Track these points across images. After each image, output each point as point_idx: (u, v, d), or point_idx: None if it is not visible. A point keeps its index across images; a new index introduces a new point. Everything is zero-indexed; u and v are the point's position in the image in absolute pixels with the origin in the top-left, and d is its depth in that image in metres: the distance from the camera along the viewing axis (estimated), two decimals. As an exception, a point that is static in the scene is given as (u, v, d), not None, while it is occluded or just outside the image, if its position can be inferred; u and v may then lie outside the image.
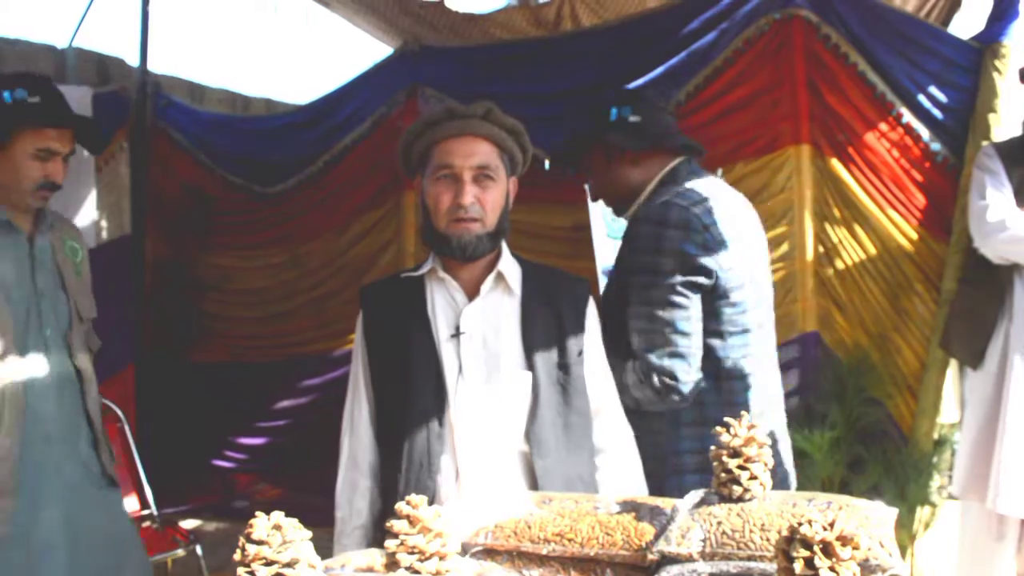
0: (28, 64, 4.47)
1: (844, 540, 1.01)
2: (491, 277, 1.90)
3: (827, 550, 1.00)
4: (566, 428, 1.90)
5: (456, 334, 1.88)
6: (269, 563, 1.06)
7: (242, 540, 1.07)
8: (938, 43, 3.42)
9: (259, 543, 1.06)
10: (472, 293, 1.91)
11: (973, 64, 3.32)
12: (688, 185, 2.29)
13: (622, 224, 3.10)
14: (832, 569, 0.99)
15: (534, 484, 1.85)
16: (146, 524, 3.60)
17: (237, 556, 1.07)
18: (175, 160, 4.48)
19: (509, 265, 1.94)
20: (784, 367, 3.41)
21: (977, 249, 3.04)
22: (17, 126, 2.38)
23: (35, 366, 2.44)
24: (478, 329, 1.89)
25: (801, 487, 2.78)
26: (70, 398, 2.54)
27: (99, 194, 4.36)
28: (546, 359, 1.90)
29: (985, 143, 3.16)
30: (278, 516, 1.09)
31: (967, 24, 4.20)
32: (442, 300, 1.92)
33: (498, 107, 1.91)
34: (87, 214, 4.30)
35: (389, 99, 3.96)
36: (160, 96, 4.53)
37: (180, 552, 3.57)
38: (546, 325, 1.92)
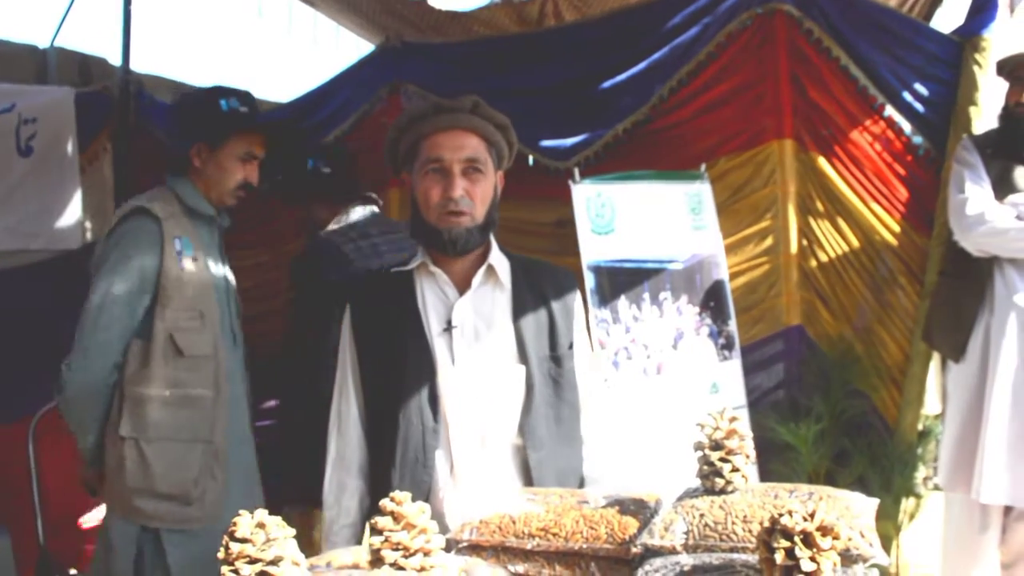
0: (9, 64, 4.44)
1: (824, 530, 1.01)
2: (482, 270, 1.91)
3: (807, 540, 1.01)
4: (558, 421, 1.91)
5: (448, 328, 1.88)
6: (253, 561, 1.06)
7: (225, 538, 1.07)
8: (920, 37, 3.44)
9: (243, 541, 1.06)
10: (463, 287, 1.91)
11: (954, 58, 3.36)
12: None
13: (608, 219, 3.12)
14: (812, 559, 1.00)
15: (527, 477, 1.85)
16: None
17: (221, 554, 1.07)
18: (158, 160, 4.44)
19: (499, 259, 1.95)
20: (769, 361, 3.44)
21: (957, 242, 3.07)
22: (230, 132, 2.64)
23: (233, 357, 2.68)
24: (470, 322, 1.89)
25: (787, 480, 2.80)
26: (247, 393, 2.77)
27: (83, 195, 4.34)
28: (538, 352, 1.90)
29: (965, 136, 3.18)
30: (261, 514, 1.09)
31: (948, 19, 4.23)
32: (432, 294, 1.92)
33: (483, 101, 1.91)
34: (72, 215, 4.27)
35: (371, 96, 3.96)
36: (143, 96, 4.50)
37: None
38: (537, 318, 1.93)
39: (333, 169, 3.30)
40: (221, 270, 2.74)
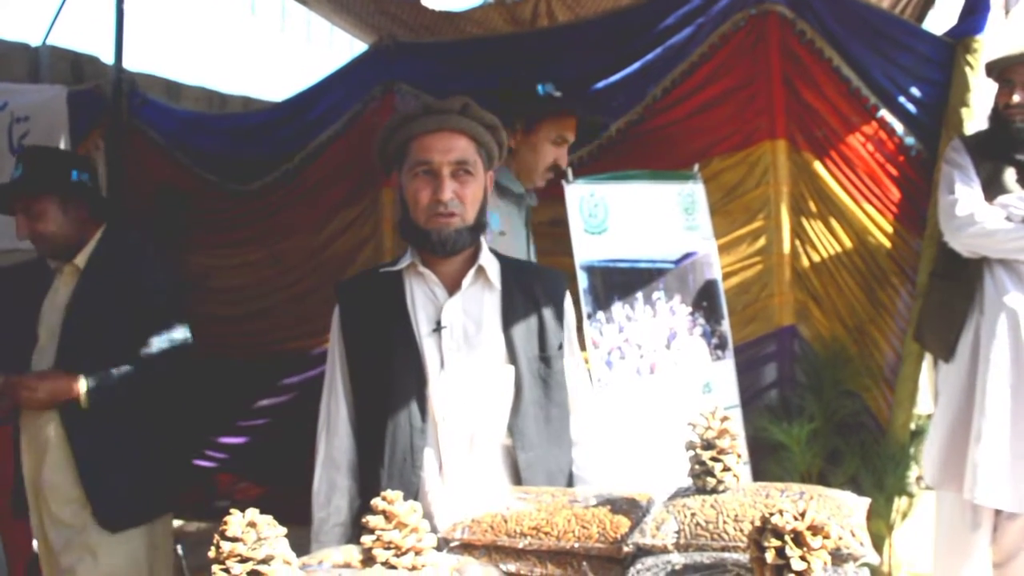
0: (1, 63, 4.43)
1: (815, 529, 1.02)
2: (472, 271, 1.91)
3: (798, 539, 1.01)
4: (547, 421, 1.91)
5: (437, 328, 1.88)
6: (244, 560, 1.06)
7: (217, 537, 1.07)
8: (912, 39, 3.45)
9: (234, 540, 1.06)
10: (452, 287, 1.91)
11: (946, 59, 3.36)
12: None
13: (601, 219, 3.12)
14: (803, 558, 1.00)
15: (517, 477, 1.86)
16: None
17: (212, 553, 1.06)
18: (151, 159, 4.44)
19: (489, 259, 1.94)
20: (762, 360, 3.45)
21: (947, 243, 3.07)
22: (544, 116, 2.81)
23: None
24: (459, 323, 1.89)
25: (780, 479, 2.80)
26: None
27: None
28: (528, 353, 1.91)
29: (955, 137, 3.18)
30: (253, 513, 1.09)
31: (941, 20, 4.24)
32: (422, 295, 1.92)
33: (474, 102, 1.91)
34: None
35: (365, 96, 3.95)
36: (135, 94, 4.49)
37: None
38: (527, 319, 1.93)
39: None
40: (525, 244, 2.93)
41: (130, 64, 4.63)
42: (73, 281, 2.72)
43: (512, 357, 1.89)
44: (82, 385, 2.58)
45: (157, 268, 2.81)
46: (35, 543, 2.88)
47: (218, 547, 1.07)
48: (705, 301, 3.26)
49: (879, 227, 3.39)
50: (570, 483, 1.93)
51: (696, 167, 3.39)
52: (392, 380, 1.86)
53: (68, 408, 2.61)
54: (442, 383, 1.86)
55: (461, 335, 1.89)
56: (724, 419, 1.35)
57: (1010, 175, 2.99)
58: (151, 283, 2.75)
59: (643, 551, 1.25)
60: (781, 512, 1.03)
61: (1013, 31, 3.52)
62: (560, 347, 1.95)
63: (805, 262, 3.43)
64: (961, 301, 3.04)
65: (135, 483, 2.67)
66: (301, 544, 1.73)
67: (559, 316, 1.97)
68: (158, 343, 2.71)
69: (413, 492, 1.81)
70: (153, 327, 2.73)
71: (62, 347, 2.65)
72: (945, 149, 3.23)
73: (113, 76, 4.48)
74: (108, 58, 4.62)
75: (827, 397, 3.27)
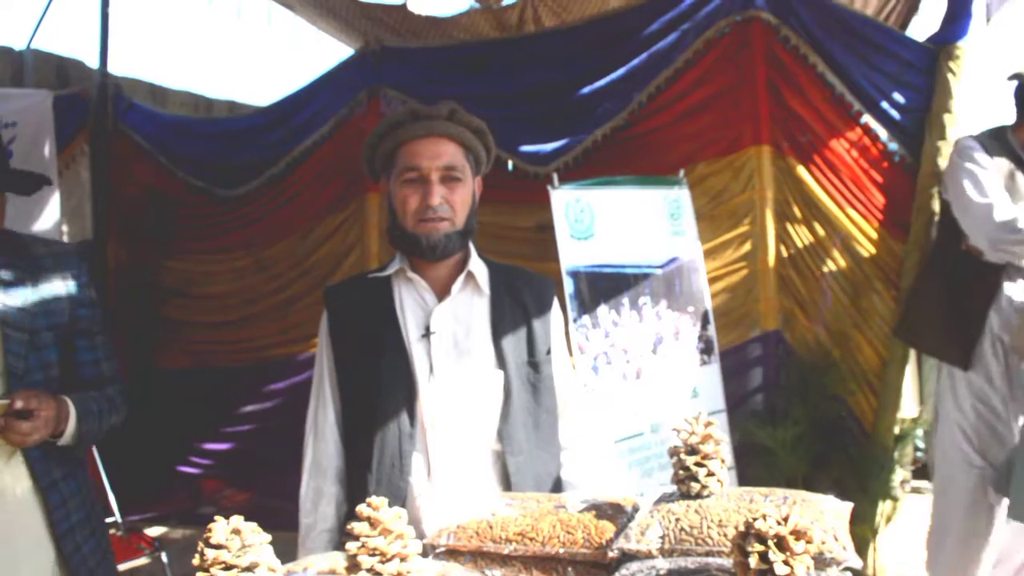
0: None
1: (798, 534, 1.02)
2: (461, 277, 1.90)
3: (781, 544, 1.01)
4: (536, 426, 1.91)
5: (426, 334, 1.88)
6: (228, 567, 1.05)
7: (201, 545, 1.06)
8: (895, 45, 3.47)
9: (218, 547, 1.06)
10: (441, 293, 1.90)
11: (929, 65, 3.39)
12: None
13: (587, 225, 3.13)
14: (786, 563, 1.00)
15: (506, 482, 1.85)
16: (111, 532, 3.56)
17: (196, 561, 1.06)
18: (136, 163, 4.43)
19: (478, 265, 1.94)
20: (747, 365, 3.47)
21: (944, 245, 3.02)
22: None
23: None
24: (448, 329, 1.89)
25: (766, 484, 2.80)
26: None
27: (61, 197, 4.31)
28: (516, 358, 1.90)
29: (964, 136, 3.07)
30: (237, 520, 1.08)
31: (924, 26, 4.27)
32: (411, 300, 1.91)
33: (461, 107, 1.91)
34: (49, 218, 4.24)
35: (351, 100, 3.95)
36: (121, 98, 4.48)
37: (145, 560, 3.52)
38: (516, 324, 1.93)
39: None
40: None
41: (115, 68, 4.62)
42: None
43: (501, 362, 1.89)
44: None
45: None
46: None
47: (202, 554, 1.06)
48: (691, 306, 3.28)
49: (863, 232, 3.41)
50: (558, 488, 1.93)
51: (682, 172, 3.41)
52: (381, 386, 1.86)
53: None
54: (431, 389, 1.85)
55: (450, 341, 1.88)
56: (708, 424, 1.35)
57: (1020, 178, 2.95)
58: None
59: (628, 556, 1.26)
60: (764, 517, 1.03)
61: (994, 37, 3.54)
62: (549, 352, 1.95)
63: (790, 267, 3.45)
64: (979, 304, 2.91)
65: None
66: (288, 551, 1.72)
67: (548, 321, 1.97)
68: None
69: (401, 498, 1.80)
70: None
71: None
72: (930, 154, 3.24)
73: (98, 80, 4.46)
74: (93, 62, 4.60)
75: (812, 401, 3.29)
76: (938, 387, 3.11)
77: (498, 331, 1.90)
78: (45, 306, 1.99)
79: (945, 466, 3.05)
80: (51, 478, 1.96)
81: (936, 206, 3.28)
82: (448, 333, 1.88)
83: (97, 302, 2.12)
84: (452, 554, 1.37)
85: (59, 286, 2.04)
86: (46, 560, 1.93)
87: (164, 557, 3.54)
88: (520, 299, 1.95)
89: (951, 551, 3.03)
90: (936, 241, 3.22)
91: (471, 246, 1.95)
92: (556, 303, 2.02)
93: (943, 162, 3.25)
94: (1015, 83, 2.98)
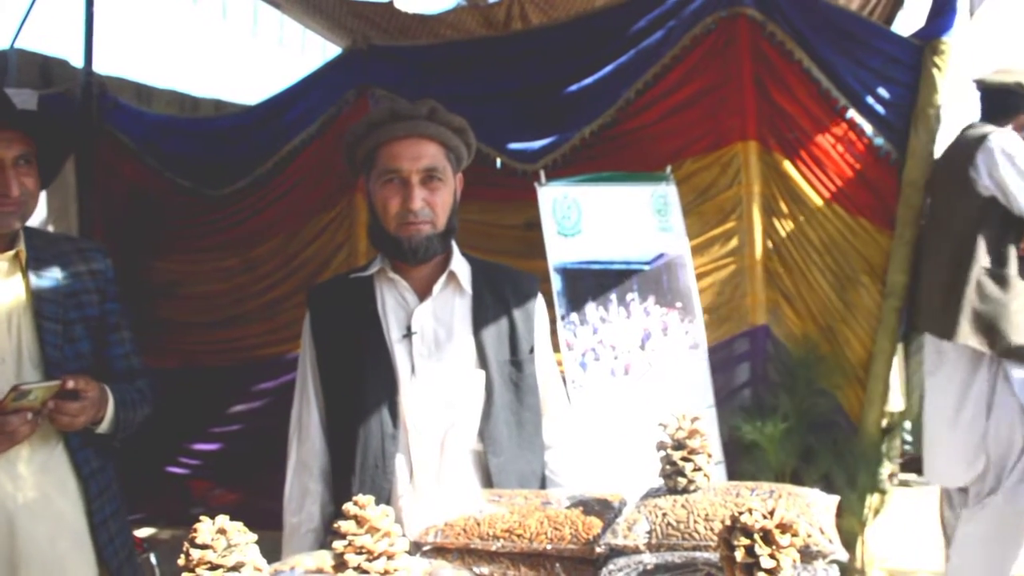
0: (-32, 66, 4.37)
1: (783, 528, 1.02)
2: (443, 277, 1.90)
3: (767, 538, 1.02)
4: (519, 426, 1.91)
5: (408, 334, 1.87)
6: (214, 567, 1.04)
7: (186, 545, 1.06)
8: (881, 40, 3.49)
9: (203, 547, 1.05)
10: (423, 293, 1.90)
11: (914, 61, 3.40)
12: None
13: (575, 221, 3.13)
14: (772, 556, 1.01)
15: (488, 482, 1.85)
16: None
17: (181, 561, 1.05)
18: (122, 163, 4.40)
19: (460, 264, 1.94)
20: (735, 360, 3.48)
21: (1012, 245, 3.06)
22: None
23: None
24: (430, 329, 1.88)
25: (753, 478, 2.82)
26: None
27: (47, 198, 4.27)
28: (498, 357, 1.90)
29: (1001, 129, 3.13)
30: (223, 520, 1.08)
31: (909, 22, 4.29)
32: (392, 300, 1.90)
33: (442, 105, 1.89)
34: (35, 218, 4.20)
35: (339, 99, 3.94)
36: (106, 98, 4.44)
37: (133, 561, 3.51)
38: (498, 323, 1.92)
39: None
40: None
41: (100, 67, 4.57)
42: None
43: (483, 362, 1.88)
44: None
45: None
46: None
47: (188, 555, 1.05)
48: (679, 302, 3.28)
49: (849, 227, 3.42)
50: (543, 487, 1.93)
51: (669, 169, 3.41)
52: (363, 386, 1.85)
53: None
54: (413, 389, 1.85)
55: (432, 341, 1.88)
56: (695, 419, 1.35)
57: None
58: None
59: (615, 552, 1.26)
60: (750, 511, 1.03)
61: (978, 32, 3.56)
62: (532, 351, 1.95)
63: (777, 262, 3.46)
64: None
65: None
66: (277, 550, 1.72)
67: (530, 319, 1.97)
68: None
69: (384, 498, 1.80)
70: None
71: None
72: (916, 149, 3.26)
73: (83, 79, 4.43)
74: (78, 61, 4.56)
75: (800, 396, 3.30)
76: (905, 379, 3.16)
77: (479, 330, 1.89)
78: (76, 299, 2.07)
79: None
80: (91, 467, 2.03)
81: (917, 199, 3.31)
82: (429, 333, 1.88)
83: (122, 297, 2.20)
84: (439, 552, 1.37)
85: (88, 281, 2.13)
86: (88, 551, 2.00)
87: (153, 558, 3.53)
88: (503, 297, 1.94)
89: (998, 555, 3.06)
90: (962, 232, 3.16)
91: (453, 245, 1.94)
92: (541, 300, 2.02)
93: (928, 152, 3.29)
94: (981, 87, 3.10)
